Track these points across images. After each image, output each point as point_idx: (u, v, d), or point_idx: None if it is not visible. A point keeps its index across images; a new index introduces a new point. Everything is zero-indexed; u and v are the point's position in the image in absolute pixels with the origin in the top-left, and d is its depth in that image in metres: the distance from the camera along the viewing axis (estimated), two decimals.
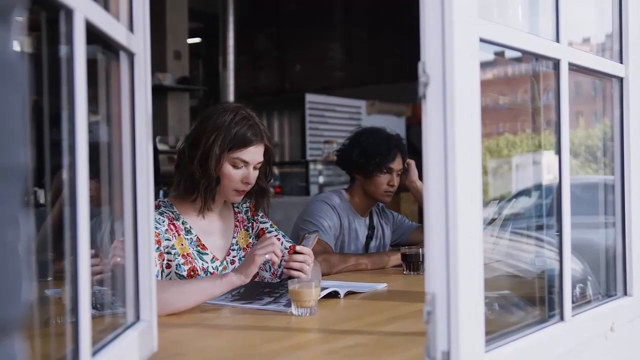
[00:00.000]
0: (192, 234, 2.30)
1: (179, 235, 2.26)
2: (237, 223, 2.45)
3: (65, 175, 1.06)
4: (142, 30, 1.43)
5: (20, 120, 0.58)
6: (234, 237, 2.42)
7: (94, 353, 1.13)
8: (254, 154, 2.29)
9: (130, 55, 1.40)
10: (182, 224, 2.29)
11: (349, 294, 2.26)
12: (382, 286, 2.44)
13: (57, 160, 1.09)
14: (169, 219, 2.25)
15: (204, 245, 2.31)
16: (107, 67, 1.38)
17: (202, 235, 2.32)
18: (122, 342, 1.29)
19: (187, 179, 2.28)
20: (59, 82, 1.06)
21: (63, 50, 1.05)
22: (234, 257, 2.39)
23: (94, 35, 1.16)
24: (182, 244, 2.25)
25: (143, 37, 1.44)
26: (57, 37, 1.05)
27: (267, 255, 2.04)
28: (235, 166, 2.26)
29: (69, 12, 1.03)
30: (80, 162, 1.05)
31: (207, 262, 2.29)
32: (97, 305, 1.41)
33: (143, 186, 1.43)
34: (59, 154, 1.07)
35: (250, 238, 2.47)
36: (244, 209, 2.50)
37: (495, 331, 1.38)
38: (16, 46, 0.60)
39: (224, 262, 2.35)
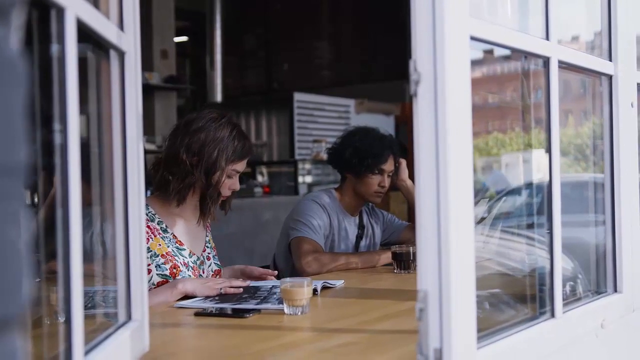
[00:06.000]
0: (168, 232, 2.38)
1: (155, 236, 2.33)
2: (207, 224, 2.58)
3: (56, 175, 1.05)
4: (133, 29, 1.43)
5: (20, 118, 0.59)
6: (207, 236, 2.55)
7: (86, 352, 1.13)
8: (245, 164, 2.46)
9: (121, 54, 1.39)
10: (158, 224, 2.37)
11: (324, 288, 2.32)
12: (339, 283, 2.47)
13: (45, 160, 1.08)
14: None
15: (180, 241, 2.40)
16: (97, 66, 1.37)
17: (178, 232, 2.41)
18: (113, 342, 1.28)
19: (188, 187, 2.35)
20: (49, 80, 1.05)
21: (54, 48, 1.05)
22: (208, 253, 2.53)
23: (84, 34, 1.15)
24: (159, 244, 2.33)
25: (133, 35, 1.43)
26: (48, 36, 1.04)
27: (222, 290, 2.20)
28: (229, 176, 2.40)
29: (60, 11, 1.02)
30: (72, 162, 1.04)
31: (186, 258, 2.39)
32: (87, 304, 1.41)
33: (134, 186, 1.42)
34: (48, 153, 1.06)
35: (213, 242, 2.62)
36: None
37: (487, 328, 1.39)
38: (15, 44, 0.59)
39: (201, 257, 2.47)
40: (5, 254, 0.57)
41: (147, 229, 2.28)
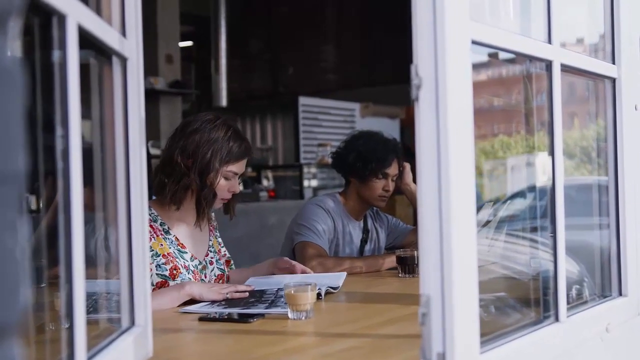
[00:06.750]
0: (170, 234, 2.39)
1: (157, 236, 2.35)
2: (211, 228, 2.58)
3: (59, 181, 1.05)
4: (135, 35, 1.43)
5: (18, 125, 0.59)
6: (210, 240, 2.55)
7: (89, 358, 1.13)
8: (244, 165, 2.45)
9: (123, 60, 1.39)
10: (160, 225, 2.38)
11: (328, 293, 2.32)
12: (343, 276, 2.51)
13: (49, 166, 1.09)
14: None
15: (182, 244, 2.41)
16: (100, 72, 1.37)
17: (180, 236, 2.42)
18: (117, 347, 1.29)
19: (183, 189, 2.36)
20: (51, 87, 1.06)
21: (55, 55, 1.05)
22: (211, 258, 2.52)
23: (86, 40, 1.15)
24: (161, 244, 2.34)
25: (136, 41, 1.43)
26: (50, 42, 1.04)
27: (228, 295, 2.19)
28: (226, 178, 2.39)
29: (62, 18, 1.03)
30: (74, 168, 1.04)
31: (187, 261, 2.39)
32: (90, 309, 1.41)
33: (137, 191, 1.42)
34: (52, 159, 1.06)
35: (219, 245, 2.61)
36: (213, 217, 2.64)
37: (491, 332, 1.38)
38: (13, 52, 0.60)
39: (203, 262, 2.47)
40: (2, 261, 0.57)
41: (149, 228, 2.29)
